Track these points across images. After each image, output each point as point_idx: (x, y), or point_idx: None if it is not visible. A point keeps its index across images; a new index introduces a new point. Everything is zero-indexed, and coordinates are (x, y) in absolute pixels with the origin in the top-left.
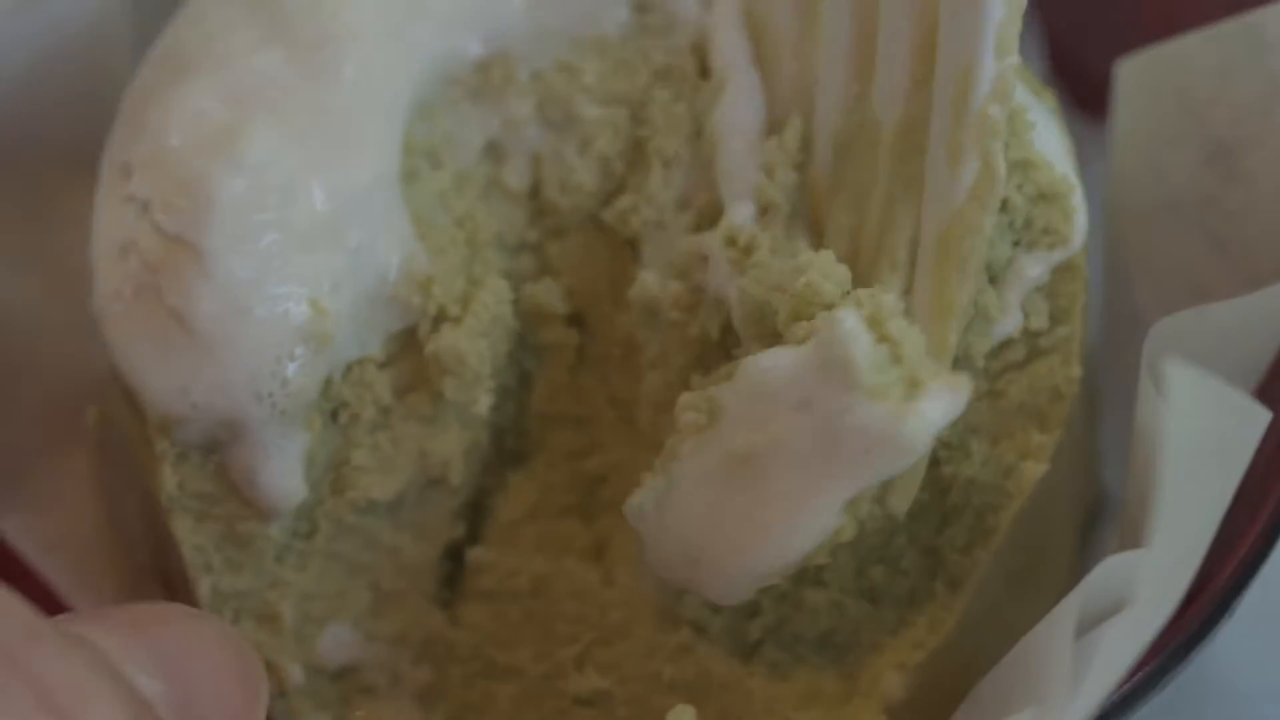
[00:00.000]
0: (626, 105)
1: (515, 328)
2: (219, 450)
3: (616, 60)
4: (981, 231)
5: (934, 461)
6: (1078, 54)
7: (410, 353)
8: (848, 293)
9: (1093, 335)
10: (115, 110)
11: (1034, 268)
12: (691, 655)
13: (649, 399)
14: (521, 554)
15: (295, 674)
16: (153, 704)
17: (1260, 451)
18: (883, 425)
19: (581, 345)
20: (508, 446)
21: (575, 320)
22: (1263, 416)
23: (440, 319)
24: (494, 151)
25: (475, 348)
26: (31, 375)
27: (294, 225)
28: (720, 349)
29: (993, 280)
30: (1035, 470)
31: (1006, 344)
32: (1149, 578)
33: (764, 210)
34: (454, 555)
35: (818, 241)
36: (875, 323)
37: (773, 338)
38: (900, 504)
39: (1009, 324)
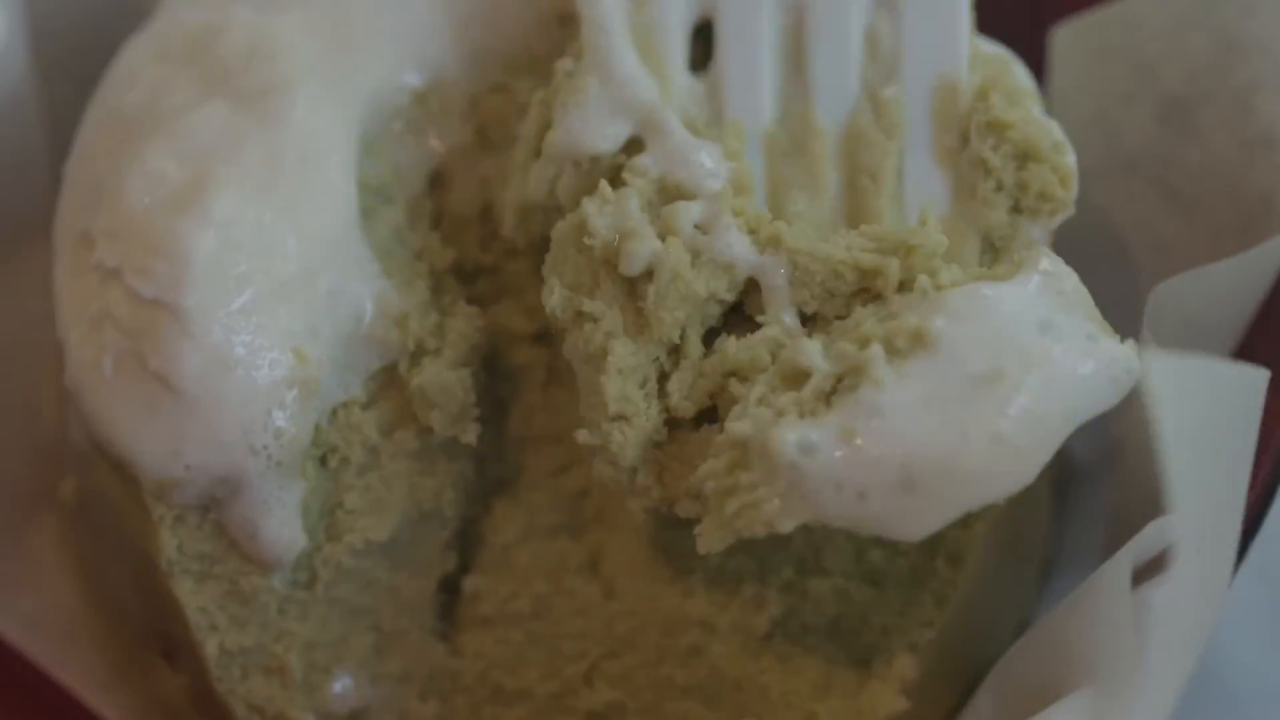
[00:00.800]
0: None
1: (487, 353)
2: (215, 508)
3: (549, 76)
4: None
5: None
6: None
7: (391, 390)
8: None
9: None
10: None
11: (1036, 233)
12: (702, 657)
13: None
14: (518, 577)
15: None
16: None
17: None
18: (1127, 356)
19: (549, 362)
20: (488, 473)
21: (541, 338)
22: (1260, 376)
23: (419, 353)
24: (440, 180)
25: (459, 378)
26: None
27: (269, 275)
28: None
29: (996, 249)
30: None
31: None
32: (1186, 539)
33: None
34: (446, 587)
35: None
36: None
37: (873, 297)
38: None
39: None
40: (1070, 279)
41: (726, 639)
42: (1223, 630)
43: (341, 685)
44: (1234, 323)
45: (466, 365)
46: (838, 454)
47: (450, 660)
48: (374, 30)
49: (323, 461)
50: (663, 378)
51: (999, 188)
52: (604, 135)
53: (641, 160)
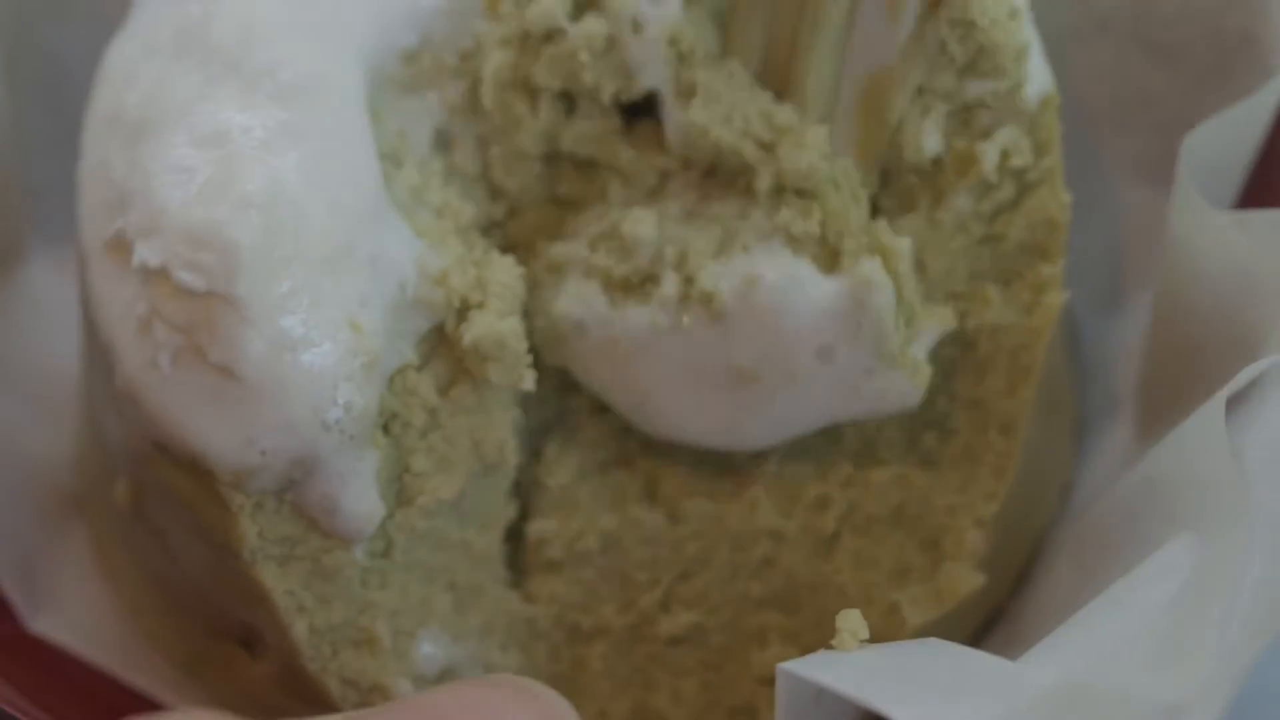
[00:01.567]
0: None
1: (524, 299)
2: (291, 490)
3: None
4: (907, 89)
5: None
6: None
7: (442, 349)
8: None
9: None
10: None
11: (972, 91)
12: (775, 566)
13: None
14: (582, 515)
15: (405, 689)
16: None
17: None
18: (903, 390)
19: None
20: (533, 418)
21: None
22: None
23: (465, 308)
24: (442, 139)
25: (510, 327)
26: (8, 478)
27: (312, 251)
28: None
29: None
30: (1056, 300)
31: (992, 187)
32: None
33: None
34: (509, 536)
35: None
36: (891, 270)
37: (744, 193)
38: None
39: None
40: (884, 292)
41: (796, 544)
42: None
43: (428, 647)
44: (1241, 165)
45: (514, 314)
46: (595, 349)
47: (524, 607)
48: None
49: (385, 429)
50: None
51: (951, 63)
52: None
53: None
